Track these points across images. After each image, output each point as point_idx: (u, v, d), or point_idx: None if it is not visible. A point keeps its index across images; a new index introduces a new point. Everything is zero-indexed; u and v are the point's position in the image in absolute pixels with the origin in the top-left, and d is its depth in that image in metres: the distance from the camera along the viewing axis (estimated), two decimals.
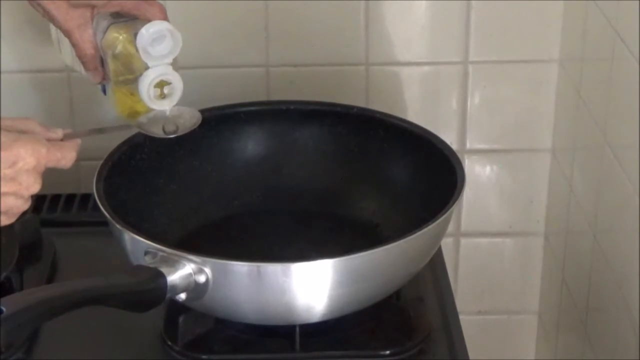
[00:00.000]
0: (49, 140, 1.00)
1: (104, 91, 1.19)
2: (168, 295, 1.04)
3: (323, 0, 1.43)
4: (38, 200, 1.41)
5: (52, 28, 1.21)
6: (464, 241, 1.58)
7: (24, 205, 0.99)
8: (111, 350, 1.14)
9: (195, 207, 1.29)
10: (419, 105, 1.49)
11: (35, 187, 0.99)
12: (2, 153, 0.96)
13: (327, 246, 1.21)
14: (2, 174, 0.96)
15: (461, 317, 1.20)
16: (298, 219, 1.30)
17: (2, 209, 0.98)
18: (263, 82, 1.47)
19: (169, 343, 1.13)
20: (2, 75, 1.43)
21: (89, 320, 1.12)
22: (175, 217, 1.27)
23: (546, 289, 1.59)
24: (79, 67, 1.19)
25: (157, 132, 1.11)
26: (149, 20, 1.14)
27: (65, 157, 1.02)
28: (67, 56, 1.22)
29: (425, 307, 1.20)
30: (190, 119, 1.13)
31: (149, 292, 1.02)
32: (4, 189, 0.96)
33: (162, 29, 1.11)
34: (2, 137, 0.97)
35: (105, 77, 1.17)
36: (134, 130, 1.15)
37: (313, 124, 1.32)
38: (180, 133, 1.11)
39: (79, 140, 1.04)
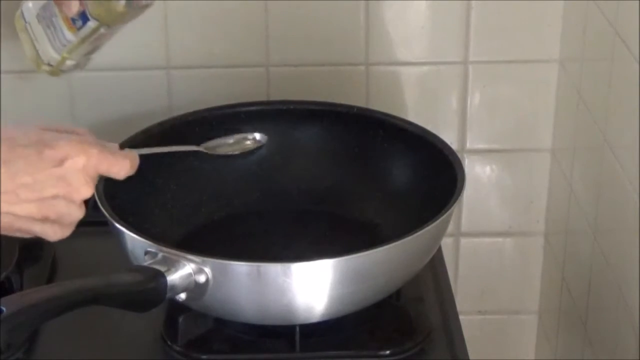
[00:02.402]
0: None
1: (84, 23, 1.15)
2: (168, 295, 1.04)
3: (323, 0, 1.43)
4: None
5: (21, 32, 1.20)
6: (464, 241, 1.58)
7: (77, 212, 0.94)
8: (111, 350, 1.14)
9: (195, 207, 1.29)
10: (419, 105, 1.49)
11: (86, 191, 0.94)
12: (47, 151, 0.92)
13: (327, 246, 1.21)
14: (49, 173, 0.91)
15: (461, 317, 1.20)
16: (298, 219, 1.30)
17: (53, 216, 0.92)
18: (263, 82, 1.47)
19: (169, 343, 1.13)
20: (2, 75, 1.43)
21: (89, 320, 1.12)
22: (175, 217, 1.27)
23: (546, 289, 1.59)
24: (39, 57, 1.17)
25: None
26: None
27: (118, 163, 0.97)
28: (29, 51, 1.21)
29: (425, 307, 1.20)
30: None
31: (149, 292, 1.02)
32: (52, 191, 0.91)
33: None
34: (45, 134, 0.94)
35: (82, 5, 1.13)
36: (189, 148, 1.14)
37: (313, 124, 1.32)
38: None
39: (136, 153, 0.99)
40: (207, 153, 1.16)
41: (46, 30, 1.15)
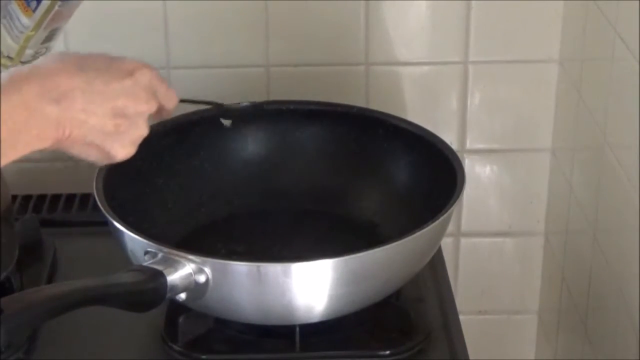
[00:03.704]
0: None
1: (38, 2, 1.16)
2: (168, 295, 1.04)
3: (323, 0, 1.43)
4: (38, 200, 1.41)
5: None
6: (464, 241, 1.58)
7: (143, 126, 0.98)
8: (111, 350, 1.14)
9: (195, 207, 1.29)
10: (419, 105, 1.49)
11: (152, 105, 0.98)
12: (116, 64, 0.96)
13: (327, 246, 1.21)
14: (121, 83, 0.95)
15: (461, 317, 1.20)
16: (298, 219, 1.30)
17: (123, 128, 0.95)
18: (263, 82, 1.47)
19: (169, 343, 1.13)
20: (2, 76, 1.43)
21: (89, 320, 1.12)
22: (175, 217, 1.27)
23: (546, 289, 1.59)
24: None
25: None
26: None
27: (171, 90, 1.01)
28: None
29: (425, 307, 1.20)
30: None
31: (149, 292, 1.02)
32: (124, 101, 0.95)
33: None
34: (111, 54, 0.97)
35: None
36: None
37: (313, 124, 1.32)
38: None
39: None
40: (226, 106, 1.19)
41: (2, 21, 1.15)
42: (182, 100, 1.10)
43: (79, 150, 0.97)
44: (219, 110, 1.22)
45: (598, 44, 1.31)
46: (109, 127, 0.95)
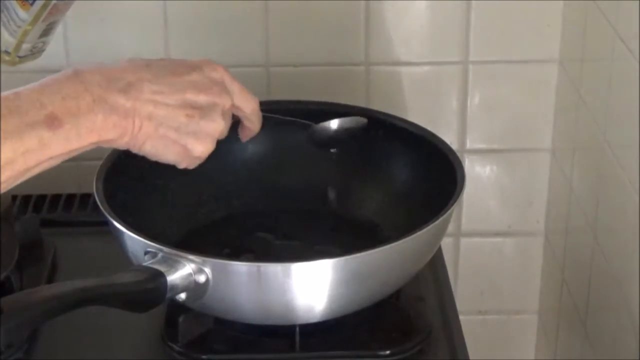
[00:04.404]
0: None
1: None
2: (168, 295, 1.04)
3: (323, 0, 1.43)
4: (38, 200, 1.41)
5: None
6: (464, 241, 1.58)
7: (219, 119, 0.94)
8: (111, 350, 1.14)
9: (195, 207, 1.29)
10: (419, 105, 1.49)
11: (225, 99, 0.94)
12: (185, 62, 0.93)
13: (327, 246, 1.22)
14: (191, 76, 0.93)
15: (461, 317, 1.20)
16: (298, 219, 1.30)
17: (197, 117, 0.92)
18: (263, 82, 1.47)
19: (169, 343, 1.13)
20: (2, 75, 1.43)
21: (89, 320, 1.12)
22: (175, 217, 1.27)
23: (546, 289, 1.59)
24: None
25: None
26: None
27: (249, 94, 0.98)
28: None
29: (425, 307, 1.20)
30: None
31: (149, 292, 1.02)
32: (195, 92, 0.92)
33: None
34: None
35: None
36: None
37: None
38: None
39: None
40: (315, 127, 1.19)
41: (0, 16, 1.15)
42: (265, 112, 1.06)
43: (154, 146, 0.93)
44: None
45: (598, 44, 1.31)
46: (180, 117, 0.92)
